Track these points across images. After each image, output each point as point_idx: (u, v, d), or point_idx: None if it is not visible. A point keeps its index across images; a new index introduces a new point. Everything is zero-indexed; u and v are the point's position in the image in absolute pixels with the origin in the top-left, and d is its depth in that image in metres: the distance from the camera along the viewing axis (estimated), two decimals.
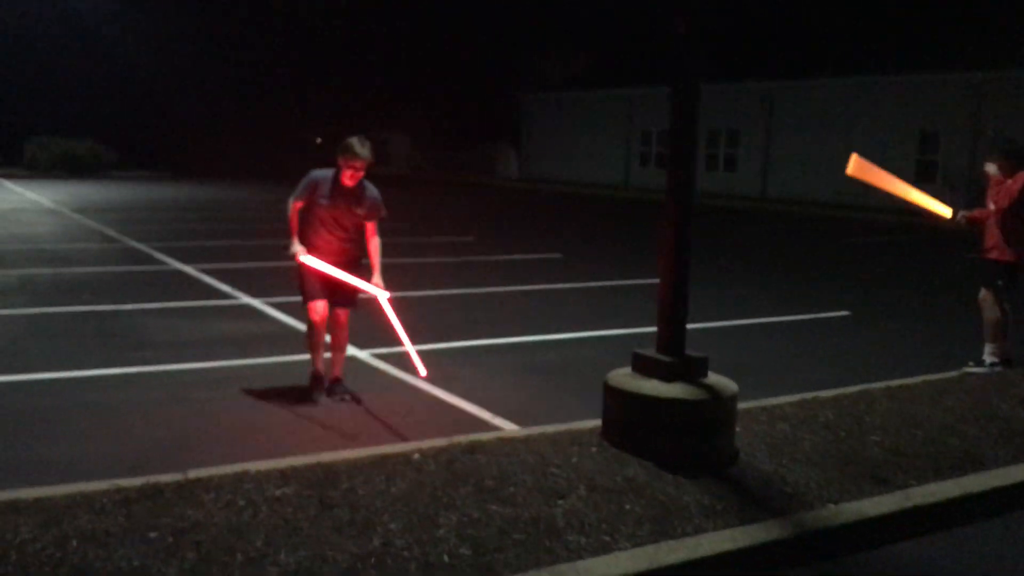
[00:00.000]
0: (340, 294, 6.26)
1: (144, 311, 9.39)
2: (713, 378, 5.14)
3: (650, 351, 5.15)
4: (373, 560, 3.68)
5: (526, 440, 5.19)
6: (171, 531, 3.81)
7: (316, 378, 6.37)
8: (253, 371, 7.14)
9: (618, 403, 5.03)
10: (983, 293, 7.50)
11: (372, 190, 6.30)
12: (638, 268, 13.24)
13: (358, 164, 6.06)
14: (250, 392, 6.47)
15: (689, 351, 5.17)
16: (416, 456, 4.83)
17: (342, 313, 6.35)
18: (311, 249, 6.17)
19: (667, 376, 4.97)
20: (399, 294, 10.84)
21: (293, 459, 4.74)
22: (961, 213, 7.47)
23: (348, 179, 6.11)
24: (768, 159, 34.06)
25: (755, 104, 34.23)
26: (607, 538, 3.99)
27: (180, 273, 12.04)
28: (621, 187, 38.25)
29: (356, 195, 6.20)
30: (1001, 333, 7.43)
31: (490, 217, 23.50)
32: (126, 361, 7.26)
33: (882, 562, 4.27)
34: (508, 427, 5.80)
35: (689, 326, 5.23)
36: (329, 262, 6.15)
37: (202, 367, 7.20)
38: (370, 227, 6.31)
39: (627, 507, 4.31)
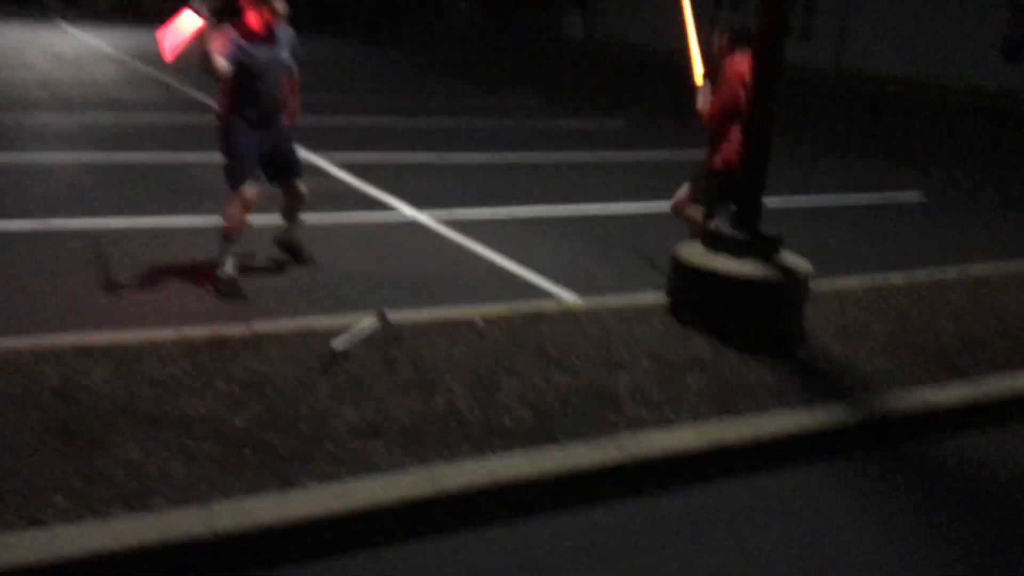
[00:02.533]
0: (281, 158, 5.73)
1: (206, 163, 9.37)
2: (786, 257, 4.99)
3: (725, 227, 5.00)
4: (436, 419, 3.69)
5: (589, 312, 5.13)
6: (238, 382, 3.85)
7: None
8: (316, 228, 7.12)
9: (686, 278, 4.92)
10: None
11: (287, 28, 5.58)
12: None
13: None
14: (314, 250, 6.46)
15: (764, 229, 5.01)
16: (478, 320, 4.80)
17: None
18: (251, 125, 5.44)
19: (739, 252, 4.83)
20: (460, 156, 10.81)
21: (355, 317, 4.74)
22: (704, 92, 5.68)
23: (261, 19, 5.33)
24: (847, 29, 32.52)
25: None
26: (670, 412, 3.96)
27: None
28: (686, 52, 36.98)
29: (274, 38, 5.46)
30: None
31: (554, 81, 22.92)
32: (186, 210, 7.28)
33: (949, 452, 4.19)
34: (571, 299, 5.74)
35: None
36: (271, 129, 5.56)
37: (260, 220, 7.19)
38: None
39: (690, 382, 4.27)
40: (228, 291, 5.37)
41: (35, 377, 3.74)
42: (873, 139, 15.81)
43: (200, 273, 5.72)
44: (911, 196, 10.17)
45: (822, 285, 5.87)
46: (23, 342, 4.09)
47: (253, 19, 5.33)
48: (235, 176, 5.46)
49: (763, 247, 4.87)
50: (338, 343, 4.20)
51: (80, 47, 22.26)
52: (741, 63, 5.36)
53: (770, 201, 5.09)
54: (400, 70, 21.96)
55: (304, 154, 10.02)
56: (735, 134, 5.32)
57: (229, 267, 5.45)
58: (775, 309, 4.76)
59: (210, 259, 5.81)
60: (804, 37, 33.80)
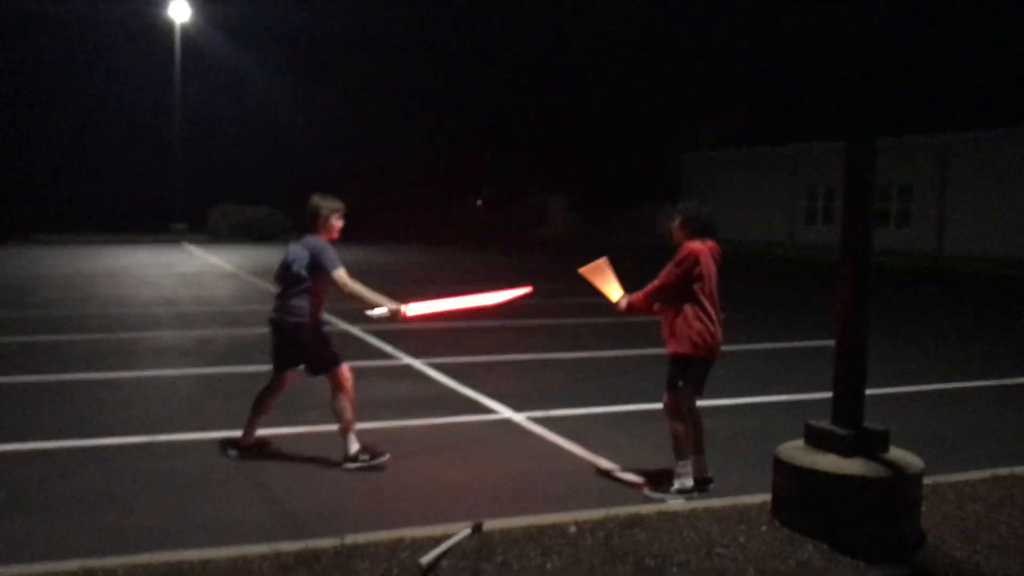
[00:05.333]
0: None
1: None
2: (896, 453, 4.73)
3: (825, 423, 4.81)
4: None
5: (689, 515, 4.92)
6: None
7: None
8: (413, 432, 7.17)
9: (790, 479, 4.70)
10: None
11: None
12: (807, 329, 12.64)
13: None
14: (409, 454, 6.47)
15: (868, 422, 4.80)
16: (572, 529, 4.65)
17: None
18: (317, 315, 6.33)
19: (845, 451, 4.61)
20: (550, 356, 10.88)
21: (448, 526, 4.65)
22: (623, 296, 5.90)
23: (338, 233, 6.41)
24: (945, 214, 32.32)
25: (928, 157, 32.68)
26: None
27: (346, 334, 12.36)
28: (787, 245, 37.14)
29: None
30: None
31: (648, 276, 23.19)
32: (293, 421, 7.42)
33: None
34: (670, 501, 5.52)
35: (867, 391, 4.85)
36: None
37: (362, 428, 7.25)
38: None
39: None
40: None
41: None
42: (984, 322, 15.30)
43: (291, 481, 5.76)
44: None
45: (939, 480, 5.54)
46: (117, 561, 4.13)
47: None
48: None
49: (869, 443, 4.65)
50: (426, 559, 4.10)
51: (202, 266, 23.76)
52: (698, 248, 5.56)
53: (879, 391, 4.92)
54: (501, 272, 22.61)
55: (405, 358, 10.28)
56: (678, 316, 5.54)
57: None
58: (887, 511, 4.47)
59: (310, 466, 5.86)
60: (903, 223, 33.72)
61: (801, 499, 4.64)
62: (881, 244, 31.55)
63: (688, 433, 5.59)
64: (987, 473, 5.78)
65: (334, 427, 7.19)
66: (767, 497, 5.00)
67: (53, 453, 6.39)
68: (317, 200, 6.36)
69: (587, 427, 7.34)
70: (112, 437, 6.82)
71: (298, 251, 6.18)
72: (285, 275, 6.20)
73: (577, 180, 48.49)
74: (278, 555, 4.26)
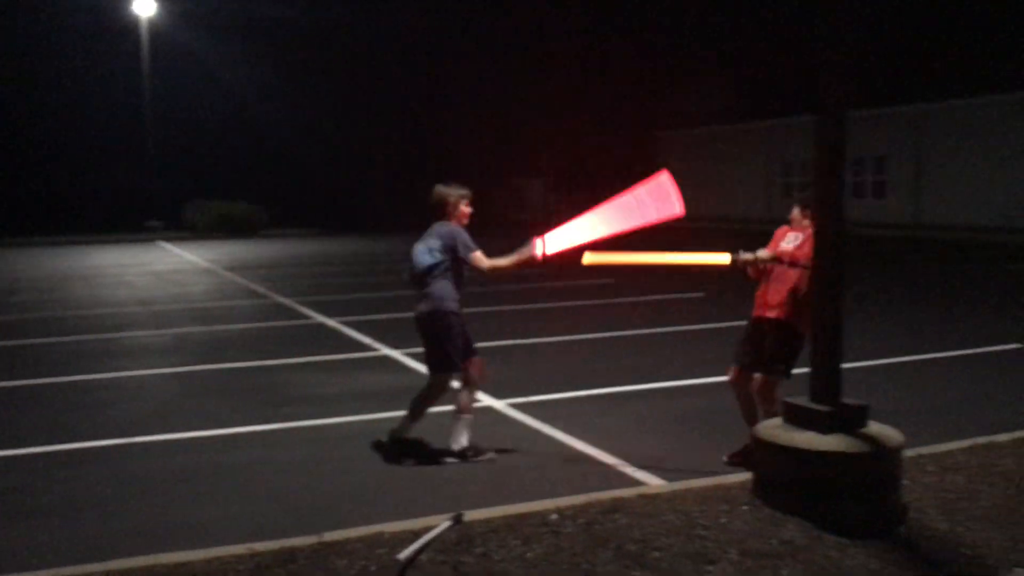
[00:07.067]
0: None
1: (287, 366, 9.56)
2: (875, 427, 4.71)
3: (803, 399, 4.78)
4: None
5: (670, 498, 4.89)
6: None
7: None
8: (392, 424, 7.08)
9: (770, 458, 4.67)
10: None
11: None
12: None
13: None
14: (388, 448, 6.40)
15: (846, 398, 4.78)
16: (554, 516, 4.60)
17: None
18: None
19: (823, 427, 4.59)
20: (540, 340, 10.83)
21: (426, 520, 4.59)
22: (742, 253, 6.11)
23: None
24: (919, 184, 32.45)
25: (903, 128, 32.77)
26: None
27: (322, 326, 12.28)
28: (763, 220, 37.23)
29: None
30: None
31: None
32: (268, 418, 7.33)
33: None
34: (651, 481, 5.50)
35: (843, 364, 4.82)
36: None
37: (340, 422, 7.19)
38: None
39: (784, 573, 3.95)
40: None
41: None
42: (962, 291, 15.38)
43: (270, 479, 5.69)
44: (1008, 347, 9.71)
45: (922, 452, 5.54)
46: (92, 568, 4.05)
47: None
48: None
49: (848, 419, 4.62)
50: (404, 554, 4.04)
51: (177, 263, 23.53)
52: None
53: (858, 364, 4.89)
54: None
55: (383, 349, 10.18)
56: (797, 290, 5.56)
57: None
58: (867, 486, 4.45)
59: (290, 463, 5.78)
60: (879, 194, 33.85)
61: (781, 477, 4.62)
62: (859, 215, 31.74)
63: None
64: (967, 443, 5.79)
65: (313, 422, 7.15)
66: (749, 476, 4.98)
67: (30, 459, 6.28)
68: (442, 189, 6.08)
69: (568, 412, 7.30)
70: (88, 441, 6.71)
71: (431, 241, 5.99)
72: (420, 267, 5.96)
73: (552, 162, 48.37)
74: (254, 555, 4.19)
